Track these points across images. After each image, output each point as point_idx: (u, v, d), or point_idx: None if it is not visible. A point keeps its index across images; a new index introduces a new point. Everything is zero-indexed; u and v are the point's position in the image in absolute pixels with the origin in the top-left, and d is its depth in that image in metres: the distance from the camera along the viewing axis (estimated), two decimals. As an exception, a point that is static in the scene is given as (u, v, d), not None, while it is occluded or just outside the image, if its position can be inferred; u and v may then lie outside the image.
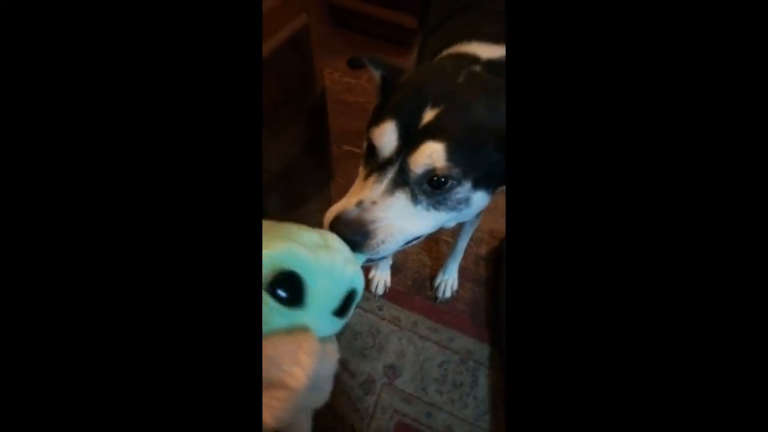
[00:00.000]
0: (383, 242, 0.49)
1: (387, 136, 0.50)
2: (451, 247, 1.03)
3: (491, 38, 0.61)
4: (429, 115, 0.49)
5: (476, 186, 0.51)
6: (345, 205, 0.50)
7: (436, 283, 1.07)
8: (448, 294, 1.06)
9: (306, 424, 0.33)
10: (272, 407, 0.29)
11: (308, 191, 0.84)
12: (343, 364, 0.94)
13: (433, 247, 1.14)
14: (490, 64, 0.57)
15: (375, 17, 1.55)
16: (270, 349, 0.32)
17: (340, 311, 0.41)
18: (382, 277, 1.06)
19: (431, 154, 0.48)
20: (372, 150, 0.52)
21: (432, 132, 0.49)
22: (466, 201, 0.52)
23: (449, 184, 0.50)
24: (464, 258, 1.09)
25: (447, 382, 0.94)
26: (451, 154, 0.48)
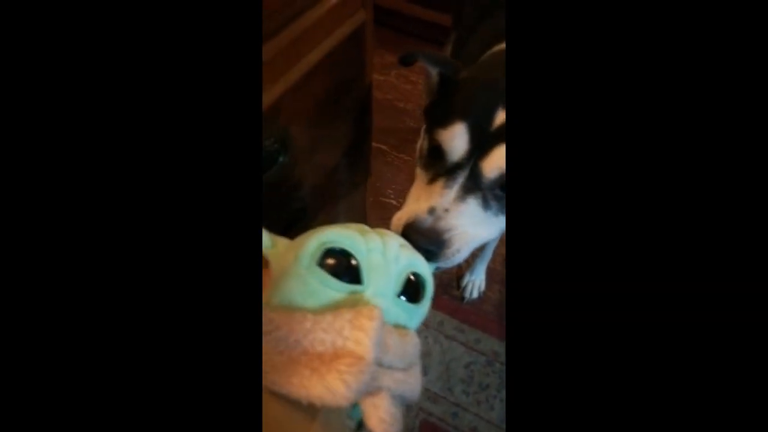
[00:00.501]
0: (458, 251, 0.48)
1: (458, 140, 0.48)
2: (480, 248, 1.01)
3: None
4: (502, 117, 0.47)
5: None
6: (415, 211, 0.48)
7: (464, 284, 1.05)
8: (475, 295, 1.04)
9: (396, 412, 0.30)
10: (341, 373, 0.28)
11: (341, 190, 0.83)
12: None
13: (460, 247, 1.13)
14: None
15: (408, 15, 1.54)
16: (330, 317, 0.31)
17: (410, 296, 0.39)
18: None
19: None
20: (437, 153, 0.50)
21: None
22: None
23: None
24: (492, 259, 1.07)
25: (473, 383, 0.91)
26: None
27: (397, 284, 0.38)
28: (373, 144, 1.30)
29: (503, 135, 0.47)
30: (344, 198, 0.83)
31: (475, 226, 0.48)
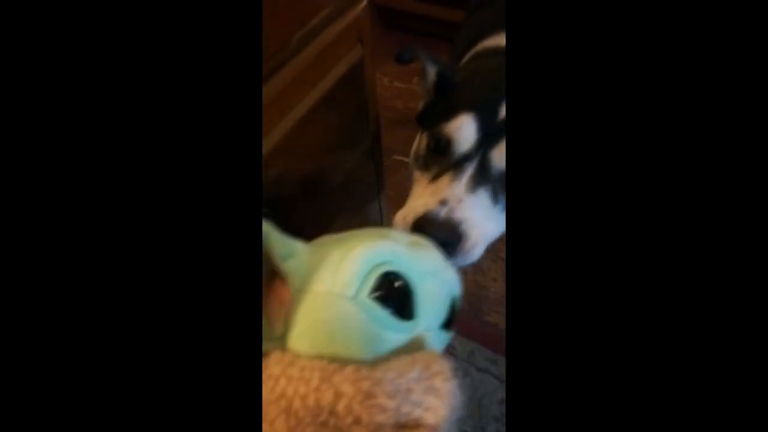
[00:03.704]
0: (475, 245, 0.44)
1: (465, 130, 0.45)
2: None
3: None
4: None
5: None
6: (425, 205, 0.44)
7: None
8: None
9: None
10: None
11: (354, 205, 0.78)
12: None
13: (492, 267, 1.04)
14: None
15: (423, 15, 1.49)
16: (392, 377, 0.24)
17: (447, 323, 0.34)
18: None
19: None
20: (440, 149, 0.47)
21: None
22: None
23: None
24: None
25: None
26: None
27: (443, 313, 0.32)
28: (395, 156, 1.23)
29: None
30: (358, 212, 0.79)
31: (485, 221, 0.45)
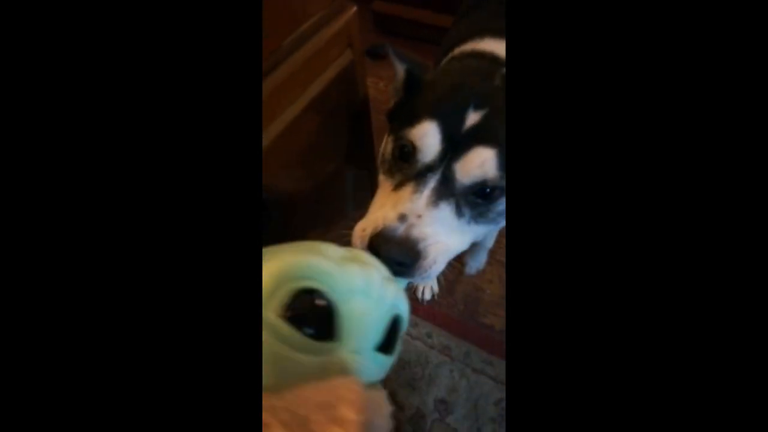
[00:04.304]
0: (434, 263, 0.42)
1: (430, 139, 0.44)
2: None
3: (501, 33, 0.59)
4: (473, 118, 0.43)
5: None
6: (384, 219, 0.42)
7: (466, 260, 1.00)
8: (473, 272, 0.99)
9: None
10: None
11: (343, 211, 0.79)
12: (391, 395, 0.88)
13: (488, 269, 1.05)
14: None
15: (418, 21, 1.50)
16: (292, 404, 0.22)
17: (385, 345, 0.31)
18: (428, 282, 0.98)
19: (483, 163, 0.42)
20: (405, 155, 0.45)
21: (480, 136, 0.43)
22: (505, 212, 0.46)
23: (495, 192, 0.44)
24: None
25: (504, 423, 0.84)
26: (501, 162, 0.42)
27: (377, 334, 0.30)
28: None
29: (478, 136, 0.43)
30: (346, 218, 0.79)
31: (448, 235, 0.43)
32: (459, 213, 0.44)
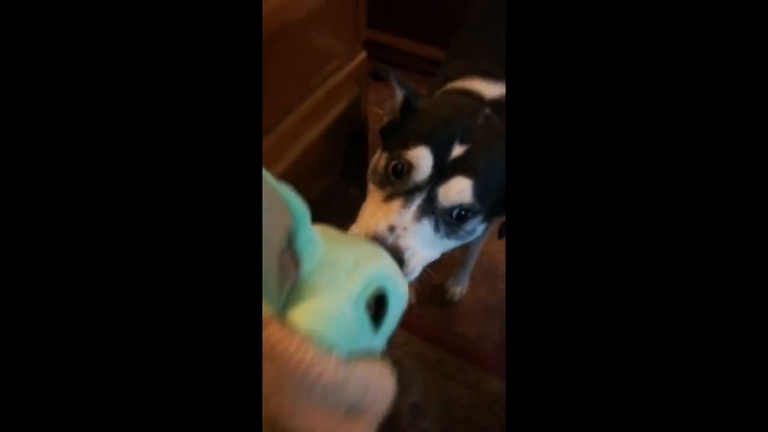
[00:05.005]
0: (413, 271, 0.51)
1: (423, 162, 0.51)
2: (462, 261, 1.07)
3: (489, 75, 0.67)
4: (458, 150, 0.52)
5: (484, 219, 0.56)
6: (375, 228, 0.49)
7: (447, 287, 1.09)
8: (456, 298, 1.08)
9: None
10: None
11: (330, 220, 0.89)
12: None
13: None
14: (494, 104, 0.62)
15: (412, 53, 1.59)
16: (362, 372, 0.30)
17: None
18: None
19: (461, 191, 0.50)
20: (397, 172, 0.53)
21: (462, 167, 0.51)
22: (473, 231, 0.56)
23: (467, 216, 0.52)
24: (492, 293, 1.08)
25: (474, 426, 0.92)
26: (475, 191, 0.51)
27: (393, 330, 0.37)
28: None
29: (460, 167, 0.51)
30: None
31: (425, 247, 0.51)
32: (436, 229, 0.51)
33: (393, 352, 1.00)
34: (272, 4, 0.49)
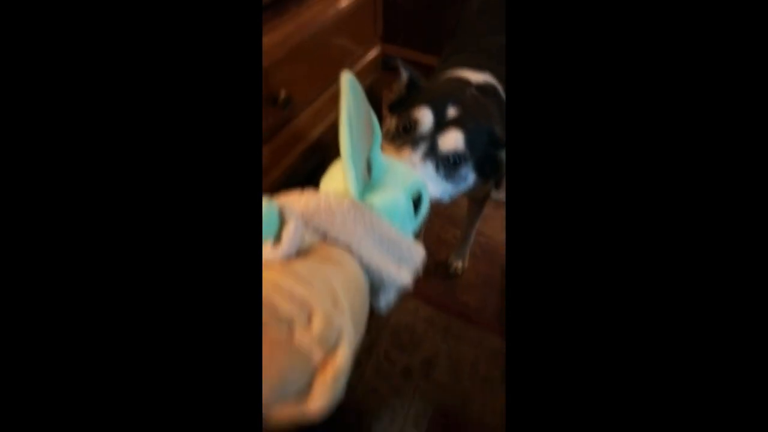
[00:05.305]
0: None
1: (427, 118, 0.69)
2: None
3: (476, 67, 0.87)
4: (452, 112, 0.69)
5: (473, 168, 0.71)
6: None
7: (450, 261, 1.23)
8: (459, 271, 1.23)
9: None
10: None
11: None
12: (385, 354, 1.06)
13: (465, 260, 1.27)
14: (479, 87, 0.80)
15: (413, 60, 1.77)
16: (408, 239, 0.48)
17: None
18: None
19: (456, 140, 0.67)
20: (406, 128, 0.70)
21: (456, 123, 0.68)
22: (465, 178, 0.71)
23: (461, 162, 0.69)
24: (491, 266, 1.21)
25: (478, 376, 1.04)
26: (466, 142, 0.68)
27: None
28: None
29: (454, 123, 0.68)
30: None
31: (429, 183, 0.67)
32: (437, 169, 0.68)
33: (405, 316, 1.13)
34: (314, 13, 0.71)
